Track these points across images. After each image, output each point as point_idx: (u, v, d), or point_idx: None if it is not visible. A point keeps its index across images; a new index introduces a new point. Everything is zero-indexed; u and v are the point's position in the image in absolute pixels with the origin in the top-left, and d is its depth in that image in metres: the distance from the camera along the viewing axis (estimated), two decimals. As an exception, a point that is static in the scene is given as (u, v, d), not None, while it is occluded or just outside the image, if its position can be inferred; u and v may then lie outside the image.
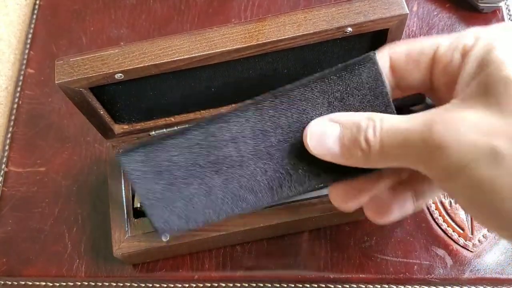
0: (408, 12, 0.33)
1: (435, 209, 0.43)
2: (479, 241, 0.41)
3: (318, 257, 0.42)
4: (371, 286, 0.41)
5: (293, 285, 0.41)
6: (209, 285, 0.42)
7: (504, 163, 0.20)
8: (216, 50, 0.33)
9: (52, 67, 0.35)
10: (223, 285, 0.42)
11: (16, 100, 0.52)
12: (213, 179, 0.30)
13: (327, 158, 0.27)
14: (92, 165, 0.48)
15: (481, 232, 0.42)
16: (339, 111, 0.28)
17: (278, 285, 0.41)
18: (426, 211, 0.43)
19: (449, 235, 0.42)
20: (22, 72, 0.54)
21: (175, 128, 0.41)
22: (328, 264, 0.41)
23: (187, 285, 0.42)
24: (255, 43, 0.33)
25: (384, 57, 0.27)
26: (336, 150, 0.26)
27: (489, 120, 0.21)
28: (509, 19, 0.52)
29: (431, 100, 0.30)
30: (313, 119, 0.28)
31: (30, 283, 0.43)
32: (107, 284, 0.43)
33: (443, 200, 0.43)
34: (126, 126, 0.41)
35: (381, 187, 0.29)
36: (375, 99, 0.27)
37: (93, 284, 0.43)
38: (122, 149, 0.35)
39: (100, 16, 0.56)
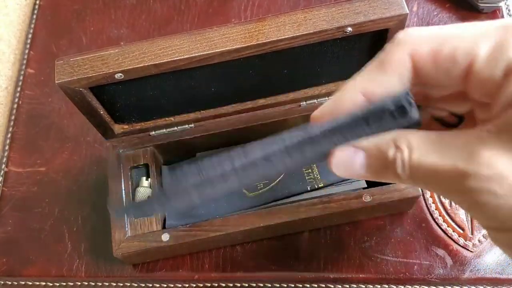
0: (408, 12, 0.33)
1: (435, 209, 0.43)
2: (479, 241, 0.41)
3: (318, 257, 0.42)
4: (371, 286, 0.41)
5: (293, 285, 0.41)
6: (209, 285, 0.42)
7: None
8: (216, 50, 0.33)
9: (52, 67, 0.34)
10: (223, 285, 0.42)
11: (16, 100, 0.52)
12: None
13: (355, 178, 0.26)
14: (92, 165, 0.48)
15: (481, 232, 0.42)
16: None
17: (278, 285, 0.41)
18: (426, 211, 0.43)
19: (449, 235, 0.42)
20: (22, 72, 0.54)
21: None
22: (328, 264, 0.41)
23: (187, 285, 0.42)
24: (255, 43, 0.33)
25: (404, 59, 0.23)
26: (365, 174, 0.25)
27: None
28: (509, 19, 0.52)
29: None
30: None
31: (30, 283, 0.43)
32: (107, 284, 0.43)
33: (443, 200, 0.43)
34: (126, 126, 0.41)
35: None
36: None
37: (93, 284, 0.43)
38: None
39: (100, 16, 0.56)
